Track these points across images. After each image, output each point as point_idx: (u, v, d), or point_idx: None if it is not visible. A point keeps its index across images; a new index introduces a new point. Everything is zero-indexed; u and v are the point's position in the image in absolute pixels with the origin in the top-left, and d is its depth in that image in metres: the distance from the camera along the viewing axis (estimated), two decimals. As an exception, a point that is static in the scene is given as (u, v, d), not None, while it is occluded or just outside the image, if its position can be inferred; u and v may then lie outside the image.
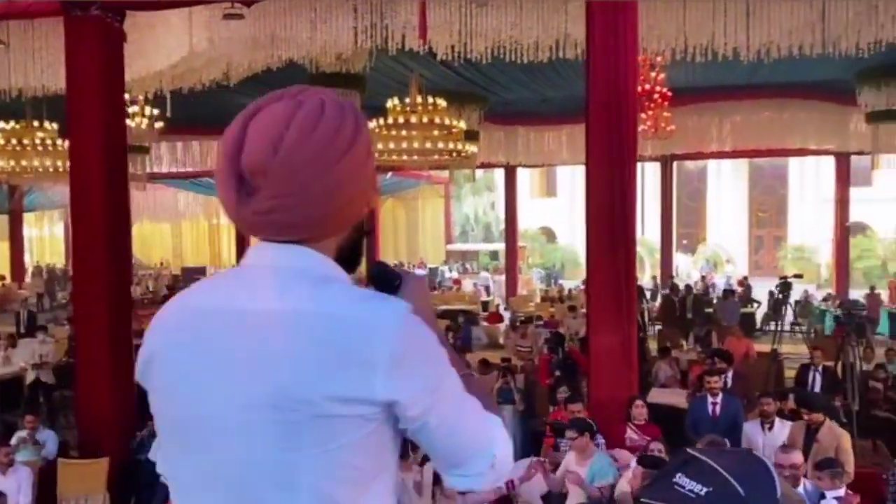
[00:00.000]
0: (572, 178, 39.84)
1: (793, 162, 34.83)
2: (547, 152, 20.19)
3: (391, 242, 31.83)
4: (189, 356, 1.15)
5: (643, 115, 14.93)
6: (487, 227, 40.65)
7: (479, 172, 26.66)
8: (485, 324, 14.49)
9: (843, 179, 21.45)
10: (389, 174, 22.01)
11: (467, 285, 24.97)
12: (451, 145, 14.18)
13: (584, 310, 16.19)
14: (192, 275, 26.62)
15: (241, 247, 23.20)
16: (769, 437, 6.06)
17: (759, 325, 17.26)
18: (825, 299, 18.84)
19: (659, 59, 11.24)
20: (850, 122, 17.33)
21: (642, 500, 2.90)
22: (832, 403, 6.40)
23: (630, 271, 6.15)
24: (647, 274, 30.91)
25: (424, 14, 6.90)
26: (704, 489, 2.62)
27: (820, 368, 7.58)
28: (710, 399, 6.45)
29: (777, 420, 6.15)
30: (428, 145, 13.89)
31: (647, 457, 4.68)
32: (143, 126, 13.07)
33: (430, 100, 13.82)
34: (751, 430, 6.27)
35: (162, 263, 31.85)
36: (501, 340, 12.64)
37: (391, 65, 12.76)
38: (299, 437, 1.09)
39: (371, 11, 7.31)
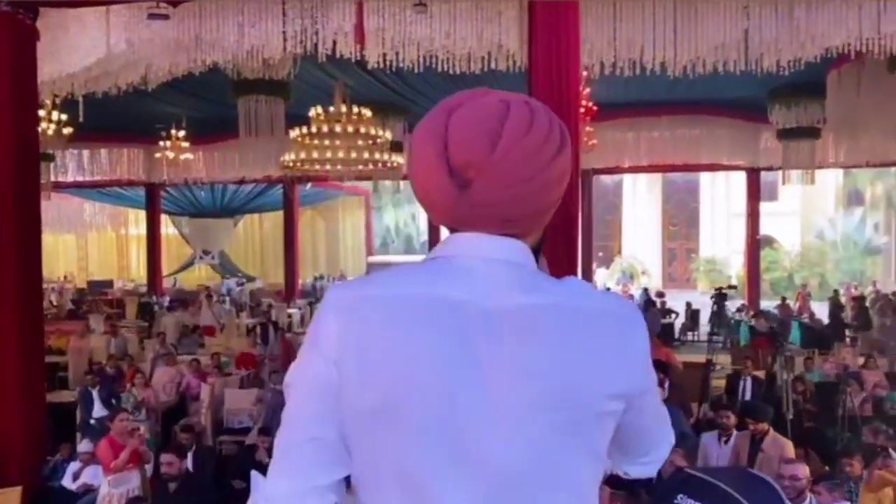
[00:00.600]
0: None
1: (704, 177, 36.08)
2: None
3: (310, 254, 31.27)
4: (427, 350, 1.09)
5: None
6: (408, 238, 40.56)
7: (401, 184, 26.52)
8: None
9: (754, 194, 22.22)
10: (309, 185, 21.65)
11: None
12: (376, 156, 14.01)
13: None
14: (99, 288, 25.51)
15: (153, 258, 22.37)
16: (724, 450, 6.06)
17: (676, 335, 17.67)
18: (739, 310, 19.47)
19: (585, 73, 11.37)
20: (761, 138, 18.12)
21: None
22: (777, 413, 6.45)
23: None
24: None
25: (362, 18, 6.70)
26: None
27: (749, 378, 7.71)
28: None
29: (734, 432, 6.14)
30: (354, 155, 13.69)
31: (614, 476, 4.60)
32: (50, 132, 12.38)
33: (356, 109, 13.63)
34: (707, 442, 6.25)
35: (66, 277, 30.34)
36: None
37: (315, 72, 12.53)
38: (575, 437, 1.09)
39: (302, 16, 7.05)
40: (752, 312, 17.90)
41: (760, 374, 7.91)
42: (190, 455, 6.87)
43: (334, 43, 7.44)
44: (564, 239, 6.12)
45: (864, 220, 34.33)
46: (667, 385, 7.26)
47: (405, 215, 40.65)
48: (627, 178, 34.66)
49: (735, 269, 34.49)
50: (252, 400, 9.27)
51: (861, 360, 9.95)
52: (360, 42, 7.00)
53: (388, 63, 8.02)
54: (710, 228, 37.69)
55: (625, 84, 12.23)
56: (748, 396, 7.36)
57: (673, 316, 18.39)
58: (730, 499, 2.45)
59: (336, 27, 7.08)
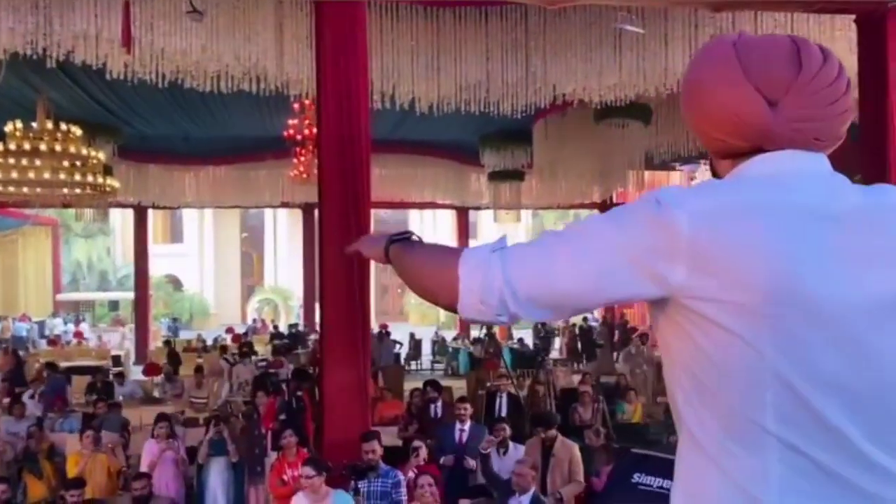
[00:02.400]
0: (200, 223, 38.43)
1: (413, 214, 37.87)
2: (181, 193, 19.12)
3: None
4: (797, 250, 1.14)
5: (295, 161, 14.98)
6: (103, 274, 37.04)
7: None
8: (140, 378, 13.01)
9: (463, 231, 23.80)
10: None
11: (91, 339, 22.30)
12: (89, 178, 12.60)
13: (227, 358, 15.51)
14: None
15: None
16: (505, 461, 6.29)
17: (402, 363, 18.22)
18: (455, 339, 20.69)
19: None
20: (471, 179, 19.29)
21: None
22: (570, 419, 6.84)
23: (365, 314, 6.04)
24: (282, 321, 30.85)
25: (129, 18, 5.99)
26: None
27: (505, 394, 8.18)
28: (458, 426, 6.59)
29: (511, 444, 6.44)
30: (63, 176, 12.18)
31: (472, 488, 4.56)
32: None
33: (63, 126, 12.21)
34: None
35: None
36: (157, 394, 11.45)
37: (13, 82, 10.99)
38: None
39: (36, 13, 6.15)
40: (469, 340, 19.07)
41: (513, 390, 8.45)
42: None
43: (73, 47, 6.61)
44: (359, 267, 6.00)
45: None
46: (440, 403, 7.46)
47: (99, 248, 37.14)
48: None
49: (442, 302, 36.54)
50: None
51: (578, 378, 11.05)
52: (125, 46, 6.28)
53: (132, 74, 7.31)
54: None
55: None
56: (504, 412, 7.83)
57: (398, 346, 18.94)
58: None
59: (80, 30, 6.27)
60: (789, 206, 1.18)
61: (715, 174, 1.38)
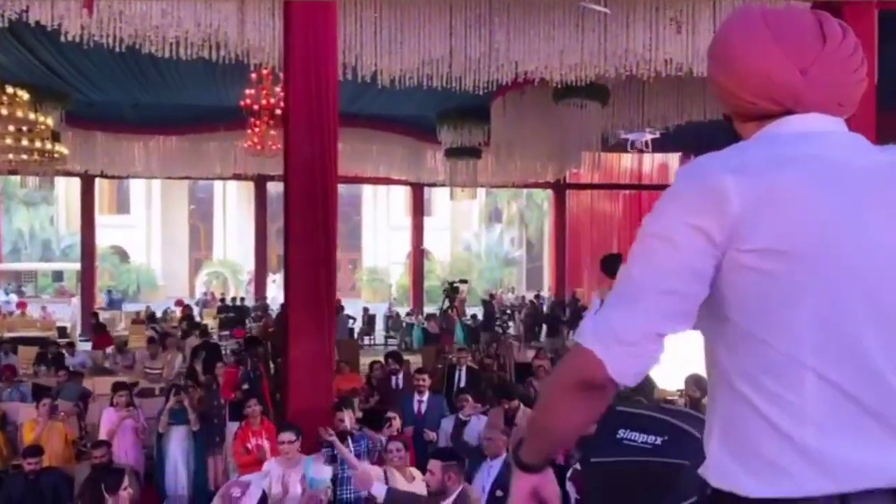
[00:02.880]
0: (148, 194, 37.63)
1: (366, 190, 37.70)
2: (129, 163, 18.72)
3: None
4: (830, 203, 1.26)
5: (249, 132, 14.77)
6: (46, 244, 36.02)
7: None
8: (88, 348, 12.79)
9: (418, 208, 23.77)
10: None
11: (34, 310, 21.74)
12: (36, 144, 12.24)
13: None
14: None
15: None
16: (466, 431, 6.46)
17: (356, 337, 18.25)
18: (409, 314, 20.77)
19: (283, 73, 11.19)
20: (427, 156, 19.25)
21: (593, 460, 2.74)
22: (526, 392, 6.95)
23: (330, 287, 6.06)
24: (231, 294, 30.50)
25: None
26: (659, 438, 2.53)
27: (464, 368, 8.33)
28: (416, 397, 6.66)
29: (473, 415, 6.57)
30: (9, 142, 11.82)
31: (442, 450, 4.63)
32: None
33: (9, 90, 11.83)
34: (447, 425, 6.61)
35: None
36: (108, 365, 11.29)
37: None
38: None
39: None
40: (424, 316, 19.15)
41: (473, 364, 8.59)
42: None
43: (27, 7, 6.41)
44: (324, 239, 6.01)
45: (503, 235, 38.85)
46: (401, 376, 7.54)
47: (42, 217, 36.08)
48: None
49: (395, 278, 36.61)
50: None
51: (532, 353, 11.28)
52: (87, 7, 6.10)
53: (89, 36, 7.12)
54: (371, 240, 39.50)
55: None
56: (463, 383, 8.00)
57: (351, 321, 18.96)
58: (665, 423, 2.59)
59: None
60: (822, 160, 1.30)
61: (737, 137, 1.48)
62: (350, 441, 5.67)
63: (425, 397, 6.86)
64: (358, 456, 5.64)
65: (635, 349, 1.29)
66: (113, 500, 4.52)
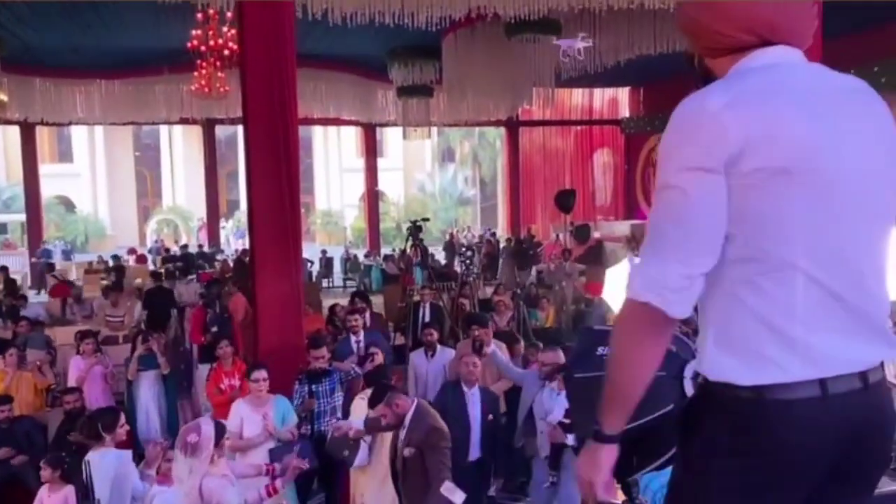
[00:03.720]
0: (91, 142, 36.57)
1: (317, 132, 37.18)
2: (71, 110, 18.19)
3: None
4: (818, 122, 1.45)
5: (196, 74, 14.37)
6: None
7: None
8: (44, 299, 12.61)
9: (371, 149, 23.56)
10: None
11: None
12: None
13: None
14: None
15: None
16: (433, 363, 6.62)
17: (314, 280, 18.25)
18: (367, 256, 20.84)
19: (230, 14, 10.89)
20: (378, 95, 19.01)
21: (576, 375, 2.88)
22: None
23: (296, 228, 6.11)
24: (182, 241, 30.14)
25: None
26: None
27: (428, 304, 8.52)
28: (353, 338, 6.76)
29: (438, 347, 6.72)
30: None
31: (372, 393, 4.68)
32: None
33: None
34: (416, 359, 6.76)
35: None
36: (67, 315, 11.19)
37: None
38: None
39: None
40: (381, 257, 19.22)
41: (436, 302, 8.76)
42: None
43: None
44: (287, 184, 6.02)
45: (456, 175, 38.85)
46: (367, 315, 7.65)
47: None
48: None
49: (349, 221, 36.49)
50: None
51: (491, 290, 11.58)
52: None
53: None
54: (324, 183, 39.14)
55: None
56: (427, 318, 8.18)
57: (309, 264, 18.96)
58: None
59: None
60: (800, 88, 1.50)
61: (705, 73, 1.64)
62: (324, 377, 5.80)
63: (361, 336, 6.88)
64: (332, 390, 5.80)
65: (684, 292, 1.49)
66: (111, 438, 4.62)
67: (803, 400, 1.48)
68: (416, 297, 9.04)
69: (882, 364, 1.59)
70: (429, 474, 4.17)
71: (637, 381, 1.59)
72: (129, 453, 4.81)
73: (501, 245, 21.72)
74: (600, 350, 2.80)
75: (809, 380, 1.49)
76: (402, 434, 4.38)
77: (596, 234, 20.17)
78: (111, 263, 18.32)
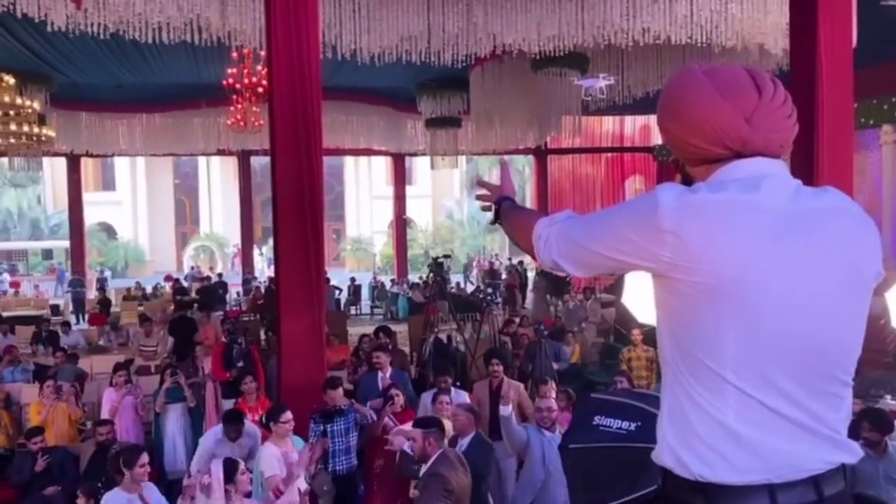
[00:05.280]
0: (133, 170, 37.54)
1: (348, 161, 37.71)
2: (114, 142, 18.79)
3: None
4: (755, 243, 1.45)
5: (232, 109, 14.82)
6: (35, 223, 35.96)
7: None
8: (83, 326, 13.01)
9: (400, 178, 23.88)
10: None
11: (26, 288, 21.88)
12: (24, 127, 12.36)
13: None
14: None
15: None
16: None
17: (343, 308, 18.49)
18: (393, 283, 20.99)
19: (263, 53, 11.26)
20: (407, 126, 19.30)
21: (571, 446, 2.99)
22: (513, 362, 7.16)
23: (319, 260, 6.22)
24: (219, 267, 30.68)
25: None
26: (633, 424, 2.74)
27: (431, 341, 8.65)
28: (379, 374, 6.88)
29: (452, 390, 6.64)
30: (-2, 127, 11.94)
31: (422, 418, 4.81)
32: None
33: (-6, 75, 11.91)
34: (426, 399, 6.68)
35: None
36: (102, 342, 11.54)
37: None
38: (863, 308, 1.54)
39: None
40: (408, 286, 19.33)
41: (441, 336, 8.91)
42: None
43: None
44: (311, 214, 6.19)
45: (483, 201, 38.85)
46: (391, 349, 7.79)
47: (29, 197, 35.97)
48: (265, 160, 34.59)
49: (378, 247, 36.85)
50: None
51: (518, 320, 11.65)
52: (76, 1, 6.24)
53: (74, 25, 7.26)
54: (354, 211, 39.61)
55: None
56: (429, 354, 8.30)
57: (338, 292, 19.22)
58: (636, 409, 2.83)
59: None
60: (758, 206, 1.49)
61: (685, 179, 1.70)
62: (339, 417, 5.85)
63: (388, 374, 6.97)
64: (347, 430, 5.86)
65: (550, 247, 1.73)
66: (129, 475, 4.80)
67: None
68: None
69: (844, 474, 1.55)
70: None
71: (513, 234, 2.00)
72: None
73: (530, 274, 21.70)
74: (597, 419, 2.86)
75: (757, 484, 1.48)
76: (422, 474, 4.48)
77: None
78: (148, 290, 18.75)
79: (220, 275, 24.33)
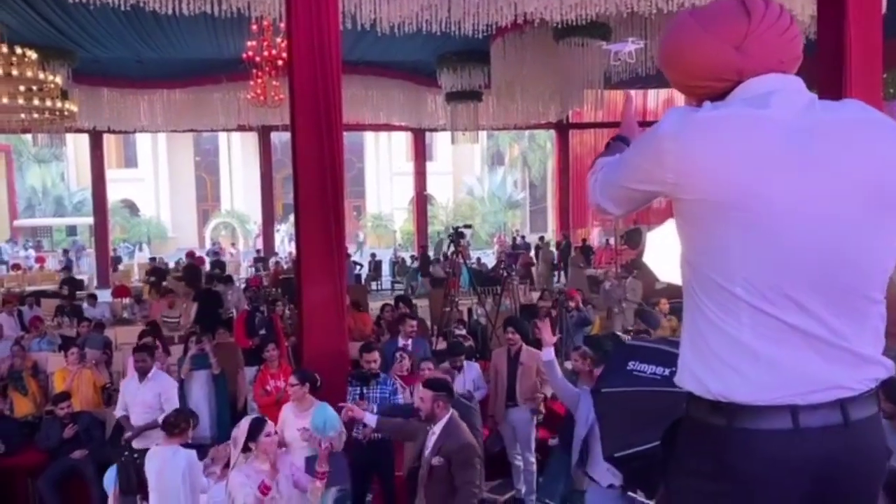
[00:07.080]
0: (154, 148, 37.77)
1: (368, 137, 37.64)
2: (136, 118, 18.88)
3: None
4: (766, 156, 1.43)
5: (251, 83, 14.81)
6: (59, 200, 36.36)
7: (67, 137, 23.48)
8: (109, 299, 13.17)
9: (420, 153, 23.79)
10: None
11: (51, 263, 22.18)
12: (47, 102, 12.42)
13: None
14: None
15: None
16: (456, 382, 6.26)
17: (363, 283, 18.54)
18: (413, 259, 21.02)
19: (283, 24, 11.21)
20: (427, 101, 19.14)
21: (604, 390, 3.00)
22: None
23: (339, 231, 6.23)
24: (240, 244, 30.90)
25: None
26: (667, 370, 2.76)
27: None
28: (401, 342, 6.92)
29: (465, 364, 6.69)
30: (21, 101, 11.97)
31: (432, 379, 4.75)
32: None
33: (18, 50, 11.93)
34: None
35: None
36: (126, 315, 11.68)
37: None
38: (889, 221, 1.49)
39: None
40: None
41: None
42: None
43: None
44: (332, 187, 6.19)
45: (505, 178, 38.81)
46: (416, 323, 7.83)
47: (53, 174, 36.33)
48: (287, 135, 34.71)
49: (399, 224, 36.87)
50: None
51: (537, 294, 11.64)
52: None
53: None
54: (374, 187, 39.62)
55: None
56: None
57: (359, 268, 19.28)
58: (671, 355, 2.82)
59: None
60: (758, 119, 1.47)
61: None
62: (375, 382, 5.84)
63: (410, 341, 7.01)
64: (383, 398, 5.80)
65: (595, 190, 1.76)
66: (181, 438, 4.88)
67: (771, 432, 1.46)
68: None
69: (875, 396, 1.52)
70: (457, 495, 4.15)
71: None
72: (194, 452, 5.00)
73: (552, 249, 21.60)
74: (631, 364, 2.86)
75: (779, 405, 1.46)
76: (431, 441, 4.40)
77: (649, 239, 19.82)
78: (170, 265, 18.88)
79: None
